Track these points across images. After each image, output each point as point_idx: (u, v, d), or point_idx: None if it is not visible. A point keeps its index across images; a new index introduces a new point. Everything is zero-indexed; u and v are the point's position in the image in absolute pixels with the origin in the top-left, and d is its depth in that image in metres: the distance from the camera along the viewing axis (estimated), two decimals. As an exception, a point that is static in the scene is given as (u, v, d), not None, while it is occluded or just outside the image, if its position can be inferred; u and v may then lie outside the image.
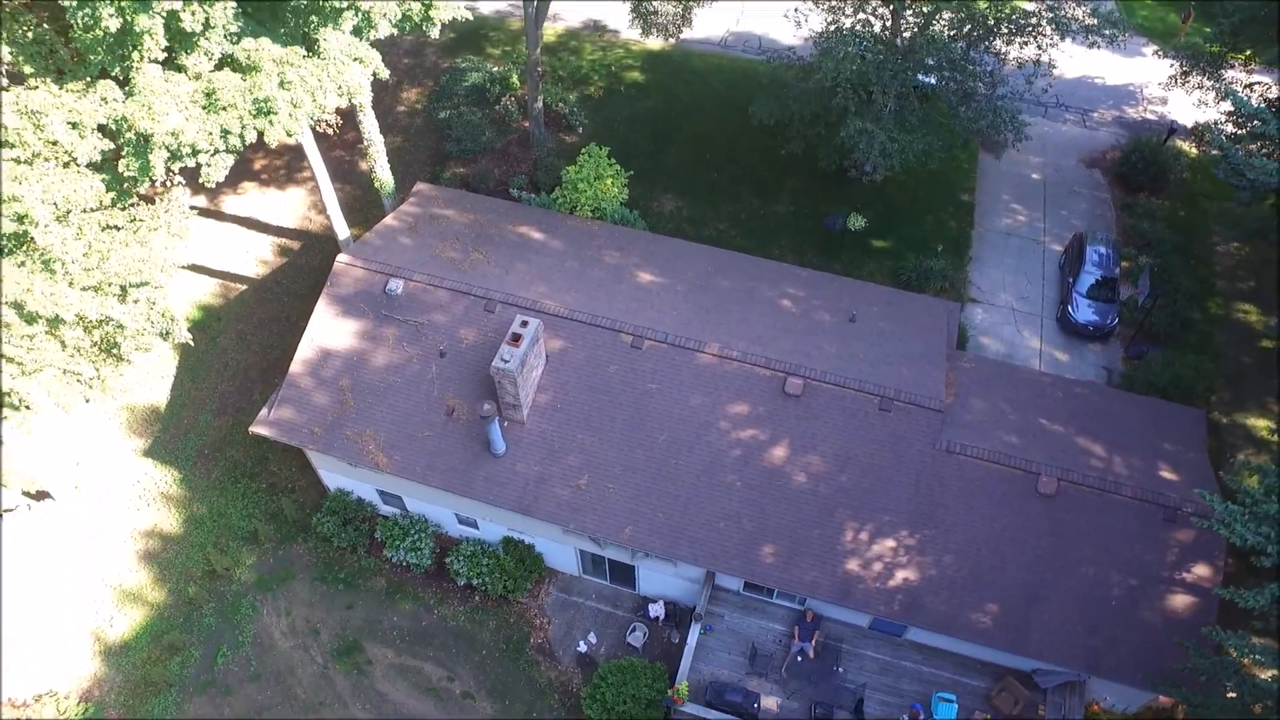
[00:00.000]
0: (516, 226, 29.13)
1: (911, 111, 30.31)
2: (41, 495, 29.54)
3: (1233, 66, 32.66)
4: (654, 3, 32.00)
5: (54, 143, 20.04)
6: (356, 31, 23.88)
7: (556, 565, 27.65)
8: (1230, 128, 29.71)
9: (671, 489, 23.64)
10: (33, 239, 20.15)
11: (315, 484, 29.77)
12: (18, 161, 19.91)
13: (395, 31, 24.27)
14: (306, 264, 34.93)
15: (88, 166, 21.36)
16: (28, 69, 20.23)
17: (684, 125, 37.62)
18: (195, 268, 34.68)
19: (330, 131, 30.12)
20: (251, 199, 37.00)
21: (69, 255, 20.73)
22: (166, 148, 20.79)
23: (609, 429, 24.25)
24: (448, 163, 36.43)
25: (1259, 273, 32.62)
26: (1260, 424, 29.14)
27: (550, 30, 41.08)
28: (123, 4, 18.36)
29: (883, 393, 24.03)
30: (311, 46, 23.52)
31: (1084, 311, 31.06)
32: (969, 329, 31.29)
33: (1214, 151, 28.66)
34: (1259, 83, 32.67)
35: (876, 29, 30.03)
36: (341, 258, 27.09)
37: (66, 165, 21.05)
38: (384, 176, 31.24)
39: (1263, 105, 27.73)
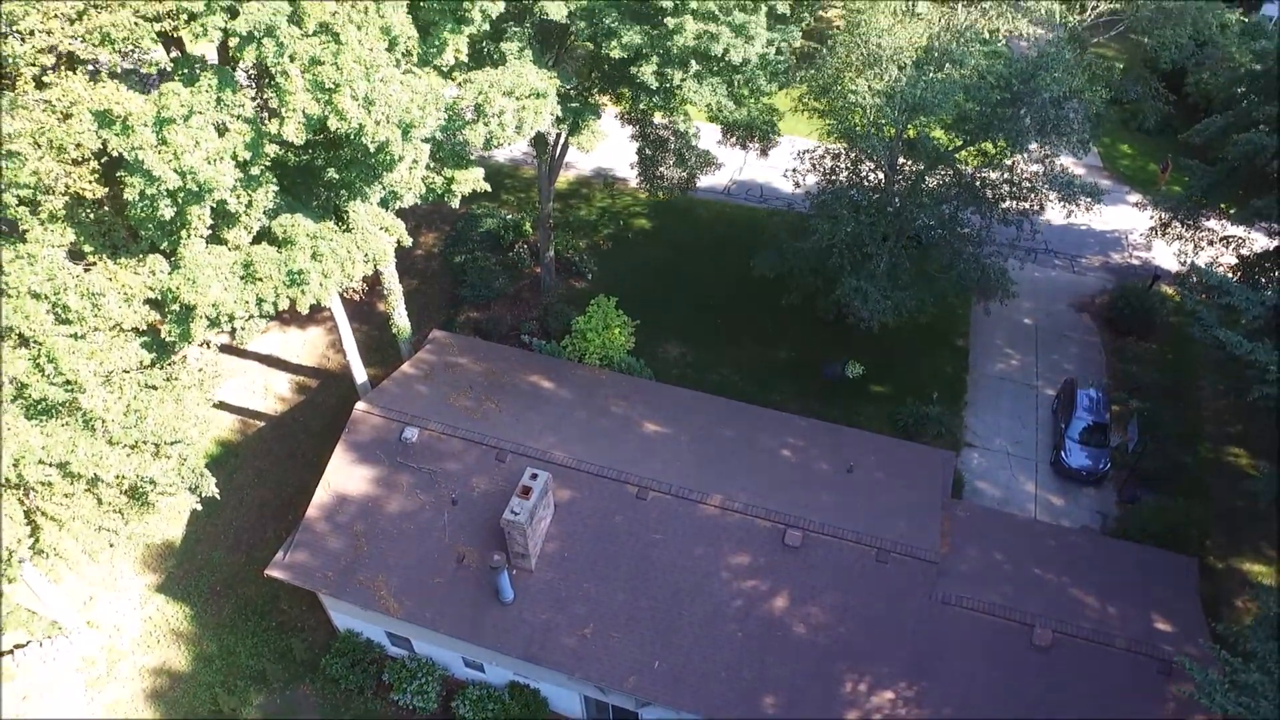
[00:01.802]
0: (527, 375, 30.62)
1: (904, 270, 32.10)
2: (53, 630, 30.08)
3: (1209, 217, 34.50)
4: (660, 170, 34.34)
5: (110, 320, 21.82)
6: (383, 203, 25.86)
7: (561, 709, 27.96)
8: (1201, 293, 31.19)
9: (675, 638, 24.30)
10: (78, 402, 21.26)
11: (325, 623, 30.35)
12: (75, 337, 21.30)
13: (418, 202, 26.13)
14: (324, 402, 36.31)
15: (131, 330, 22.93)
16: (88, 248, 21.90)
17: (689, 271, 39.71)
18: (216, 404, 35.98)
19: (356, 296, 31.85)
20: (272, 337, 38.76)
21: (110, 415, 21.75)
22: (206, 317, 22.50)
23: (614, 578, 25.07)
24: (461, 306, 38.36)
25: (1247, 418, 33.64)
26: (1257, 569, 29.69)
27: (562, 178, 43.59)
28: (179, 198, 20.34)
29: (879, 544, 24.87)
30: (341, 218, 25.51)
31: (1077, 457, 32.03)
32: (965, 474, 32.25)
33: (1191, 305, 30.32)
34: (1233, 237, 34.24)
35: (870, 184, 32.11)
36: (360, 405, 28.41)
37: (113, 333, 22.67)
38: (401, 323, 32.97)
39: (1228, 276, 29.59)
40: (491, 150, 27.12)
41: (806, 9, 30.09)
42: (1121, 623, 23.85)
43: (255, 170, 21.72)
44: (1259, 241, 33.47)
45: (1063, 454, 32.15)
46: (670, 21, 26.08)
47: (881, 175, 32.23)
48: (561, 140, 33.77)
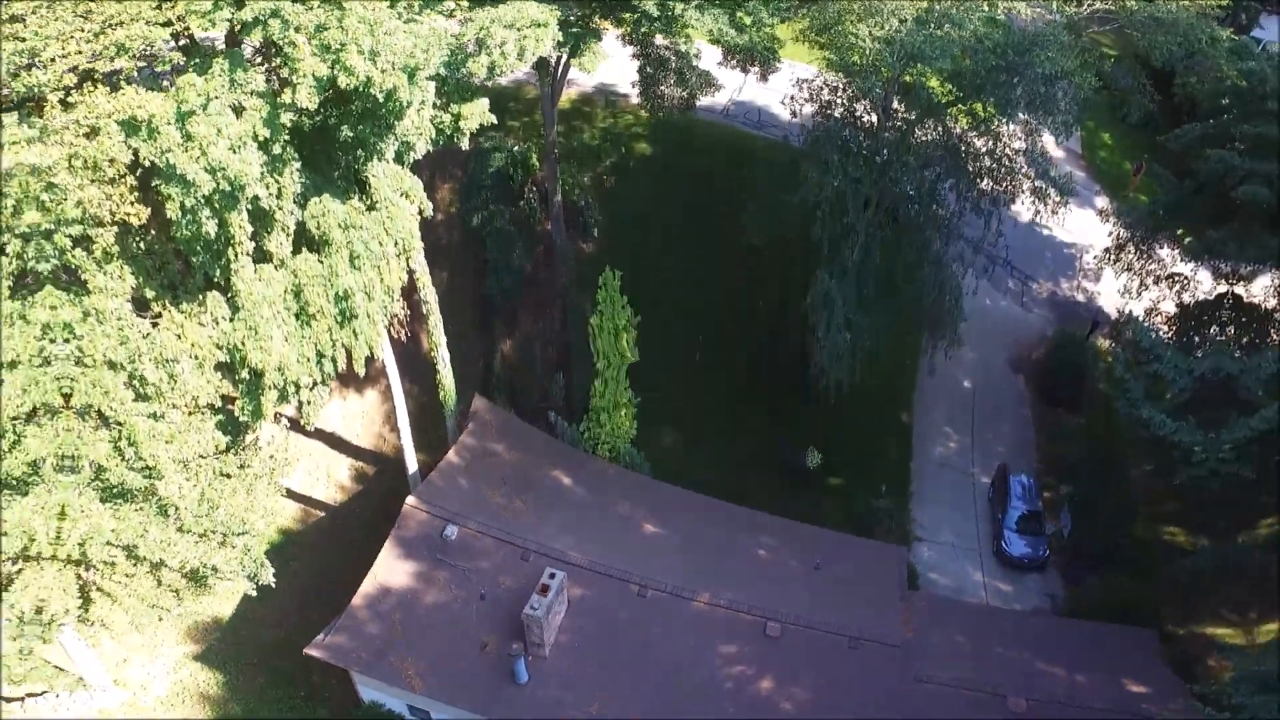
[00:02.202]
0: (551, 469, 32.08)
1: (874, 268, 30.68)
2: (76, 686, 27.95)
3: (1164, 246, 31.50)
4: (662, 89, 32.71)
5: (186, 394, 20.06)
6: (398, 158, 24.58)
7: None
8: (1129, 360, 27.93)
9: (674, 713, 24.51)
10: (154, 488, 19.73)
11: (350, 695, 28.26)
12: (154, 416, 19.57)
13: (429, 149, 24.87)
14: (378, 489, 35.89)
15: (206, 407, 20.85)
16: (149, 292, 20.14)
17: (685, 238, 39.48)
18: (283, 493, 33.64)
19: (401, 335, 30.98)
20: (333, 410, 36.71)
21: (185, 504, 20.21)
22: (275, 386, 21.52)
23: (618, 663, 24.39)
24: (494, 328, 38.30)
25: (1177, 495, 30.81)
26: (1220, 632, 28.29)
27: (565, 96, 39.27)
28: (216, 203, 19.64)
29: (849, 633, 24.04)
30: (363, 186, 24.44)
31: (1016, 545, 31.15)
32: (917, 566, 31.22)
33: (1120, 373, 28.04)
34: (1179, 276, 31.41)
35: (864, 125, 29.93)
36: (410, 500, 28.53)
37: (190, 411, 20.60)
38: (447, 384, 32.14)
39: (1161, 337, 27.44)
40: (495, 78, 25.63)
41: None
42: (1092, 690, 22.70)
43: (277, 149, 20.27)
44: (1204, 284, 30.79)
45: (1003, 543, 31.32)
46: None
47: (875, 118, 29.55)
48: (563, 62, 31.23)
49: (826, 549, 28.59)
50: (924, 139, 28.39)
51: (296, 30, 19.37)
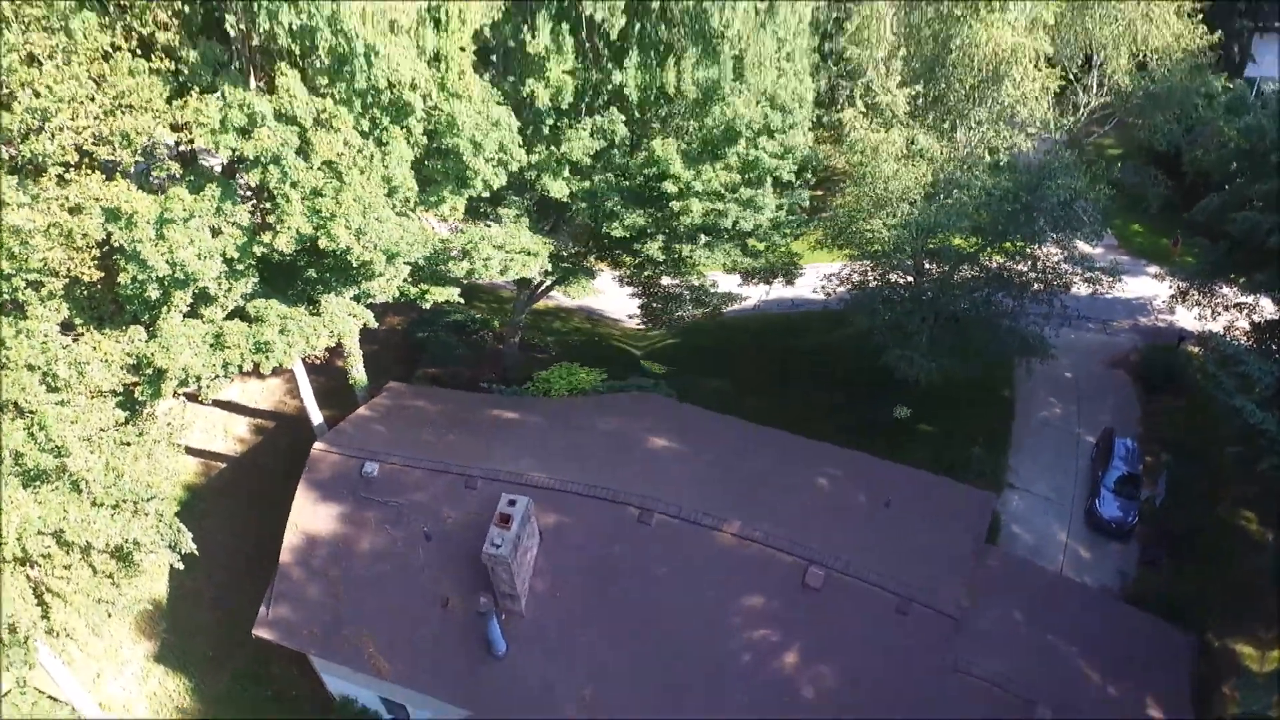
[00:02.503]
0: (490, 410, 30.56)
1: (944, 343, 33.25)
2: (73, 716, 30.42)
3: (1222, 286, 36.46)
4: (678, 313, 35.36)
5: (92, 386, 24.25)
6: (355, 298, 27.42)
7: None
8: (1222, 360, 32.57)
9: (679, 703, 23.35)
10: (65, 466, 22.98)
11: (319, 689, 30.41)
12: (61, 404, 23.00)
13: (390, 300, 27.93)
14: (282, 444, 37.10)
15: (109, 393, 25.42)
16: (78, 320, 24.28)
17: (714, 353, 40.87)
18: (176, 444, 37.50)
19: (318, 361, 32.49)
20: (231, 386, 38.92)
21: (92, 475, 23.22)
22: (176, 378, 24.70)
23: (615, 624, 24.27)
24: (419, 365, 39.23)
25: (1261, 482, 32.95)
26: (1247, 651, 29.25)
27: (541, 304, 43.28)
28: (166, 283, 22.57)
29: (903, 592, 23.87)
30: (314, 304, 27.12)
31: (1109, 507, 33.23)
32: (1003, 516, 33.26)
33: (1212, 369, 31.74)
34: (1245, 304, 35.62)
35: (901, 284, 34.00)
36: (317, 445, 28.75)
37: (92, 397, 24.47)
38: (359, 377, 33.82)
39: (1243, 343, 31.61)
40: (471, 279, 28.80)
41: (811, 172, 31.34)
42: (1118, 707, 23.63)
43: (240, 266, 23.93)
44: (1268, 309, 35.42)
45: (1097, 502, 33.62)
46: (676, 205, 26.77)
47: (910, 279, 34.15)
48: (546, 286, 34.63)
49: (903, 487, 28.05)
50: (965, 277, 33.49)
51: (293, 186, 22.33)
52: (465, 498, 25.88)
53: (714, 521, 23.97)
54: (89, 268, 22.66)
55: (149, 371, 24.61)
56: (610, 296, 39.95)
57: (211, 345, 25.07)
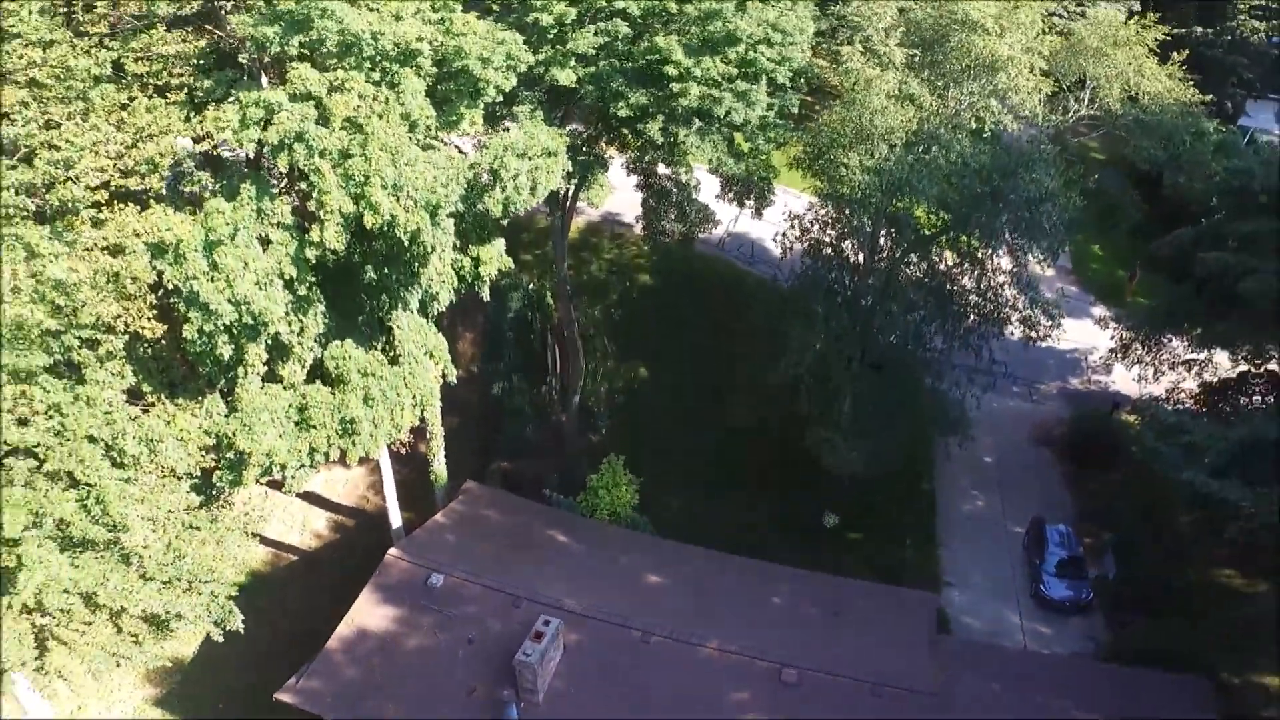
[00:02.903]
0: (546, 530, 33.99)
1: (865, 409, 33.82)
2: None
3: (1171, 339, 35.08)
4: (663, 224, 38.19)
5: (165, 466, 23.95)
6: (422, 308, 28.09)
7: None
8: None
9: None
10: (119, 540, 22.67)
11: None
12: (127, 481, 22.87)
13: (452, 299, 28.47)
14: (358, 543, 38.66)
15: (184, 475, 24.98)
16: (146, 387, 23.73)
17: (681, 390, 42.54)
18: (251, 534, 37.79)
19: (403, 450, 34.80)
20: (316, 474, 40.92)
21: (149, 553, 23.25)
22: (260, 465, 24.89)
23: (618, 710, 26.70)
24: (494, 455, 41.77)
25: (1232, 541, 31.45)
26: (1272, 682, 28.82)
27: (573, 226, 45.64)
28: (236, 332, 22.68)
29: (874, 679, 26.14)
30: (388, 335, 28.27)
31: (1057, 588, 32.96)
32: (949, 610, 33.35)
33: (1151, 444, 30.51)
34: (1195, 360, 34.85)
35: (850, 264, 34.47)
36: (392, 551, 31.60)
37: (164, 476, 24.30)
38: (440, 471, 36.33)
39: (1188, 410, 30.72)
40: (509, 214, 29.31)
41: (805, 80, 32.53)
42: None
43: (303, 290, 23.88)
44: (1223, 365, 34.03)
45: (1042, 586, 33.18)
46: (675, 86, 28.38)
47: (861, 256, 34.64)
48: (572, 194, 36.38)
49: (848, 596, 30.56)
50: (910, 275, 33.55)
51: (321, 155, 22.60)
52: (510, 614, 29.35)
53: (699, 639, 27.63)
54: (148, 319, 21.76)
55: (230, 455, 24.28)
56: (621, 193, 41.66)
57: (297, 423, 24.97)
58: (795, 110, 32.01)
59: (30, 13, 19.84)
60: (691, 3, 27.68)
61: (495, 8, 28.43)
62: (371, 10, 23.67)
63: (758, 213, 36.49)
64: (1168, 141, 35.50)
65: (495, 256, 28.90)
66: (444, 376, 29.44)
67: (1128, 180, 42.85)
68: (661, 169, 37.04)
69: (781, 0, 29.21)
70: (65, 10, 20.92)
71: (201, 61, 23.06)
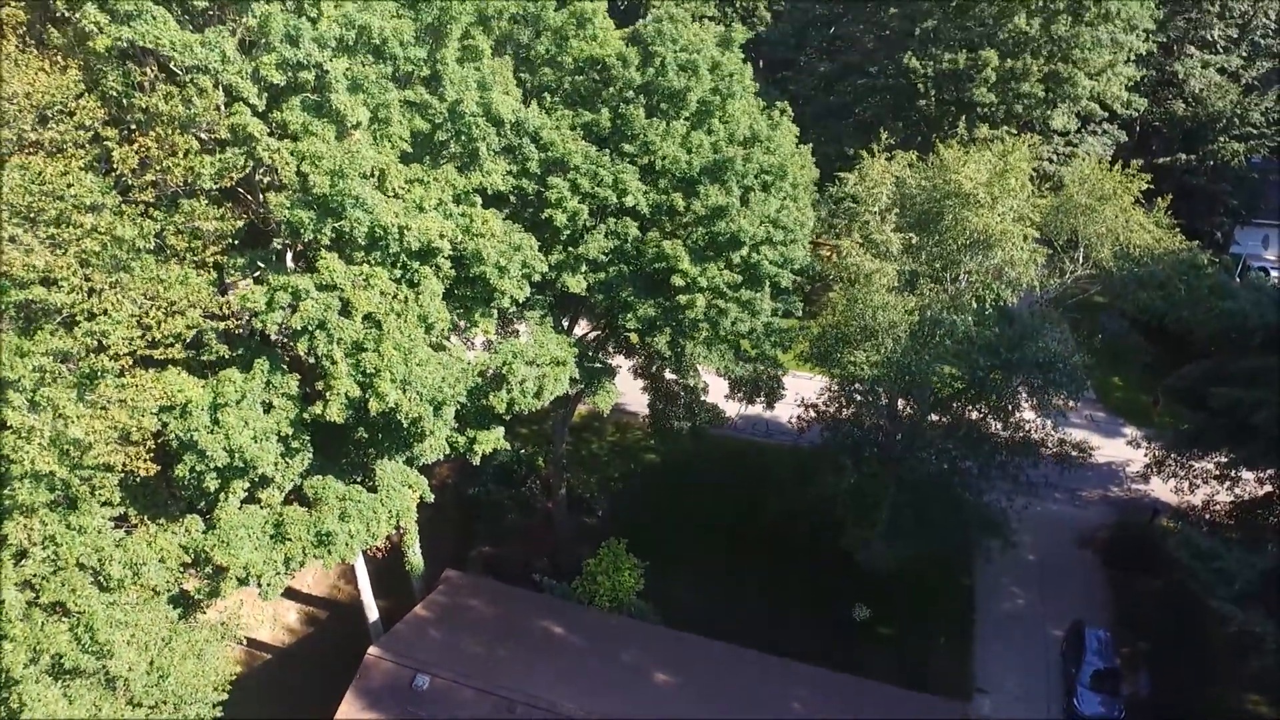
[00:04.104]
0: (539, 619, 33.33)
1: (906, 519, 34.13)
2: None
3: (1202, 457, 35.67)
4: (671, 421, 37.99)
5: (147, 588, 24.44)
6: (408, 461, 29.17)
7: None
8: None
9: None
10: (105, 665, 22.92)
11: None
12: (112, 605, 23.30)
13: (441, 458, 29.23)
14: (334, 637, 38.15)
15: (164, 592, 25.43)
16: (132, 512, 24.67)
17: (698, 507, 42.03)
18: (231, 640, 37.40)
19: (378, 555, 34.01)
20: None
21: (134, 675, 23.32)
22: (236, 578, 25.31)
23: None
24: (474, 540, 41.55)
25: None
26: None
27: (576, 411, 45.72)
28: (225, 473, 23.75)
29: None
30: (369, 473, 29.15)
31: (1090, 704, 33.00)
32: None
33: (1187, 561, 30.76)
34: (1228, 475, 35.12)
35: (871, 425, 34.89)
36: (372, 650, 31.23)
37: (145, 596, 24.60)
38: (415, 560, 36.32)
39: (1225, 522, 31.30)
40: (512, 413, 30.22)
41: (808, 278, 33.83)
42: None
43: (295, 444, 25.21)
44: (1251, 483, 34.84)
45: (1075, 701, 33.18)
46: (682, 298, 29.47)
47: (883, 422, 35.11)
48: (578, 393, 36.98)
49: (872, 704, 29.91)
50: (934, 425, 34.19)
51: (338, 344, 23.93)
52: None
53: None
54: (145, 462, 22.61)
55: (207, 569, 24.88)
56: (627, 389, 40.86)
57: (271, 536, 25.52)
58: (799, 313, 32.99)
59: (86, 173, 20.57)
60: (697, 199, 28.76)
61: (512, 199, 29.23)
62: (396, 197, 24.73)
63: (769, 406, 36.75)
64: (1163, 291, 35.96)
65: (492, 441, 29.37)
66: (420, 498, 29.53)
67: (1131, 325, 43.48)
68: (669, 374, 37.56)
69: (782, 192, 30.33)
70: (116, 173, 21.53)
71: (236, 241, 23.96)
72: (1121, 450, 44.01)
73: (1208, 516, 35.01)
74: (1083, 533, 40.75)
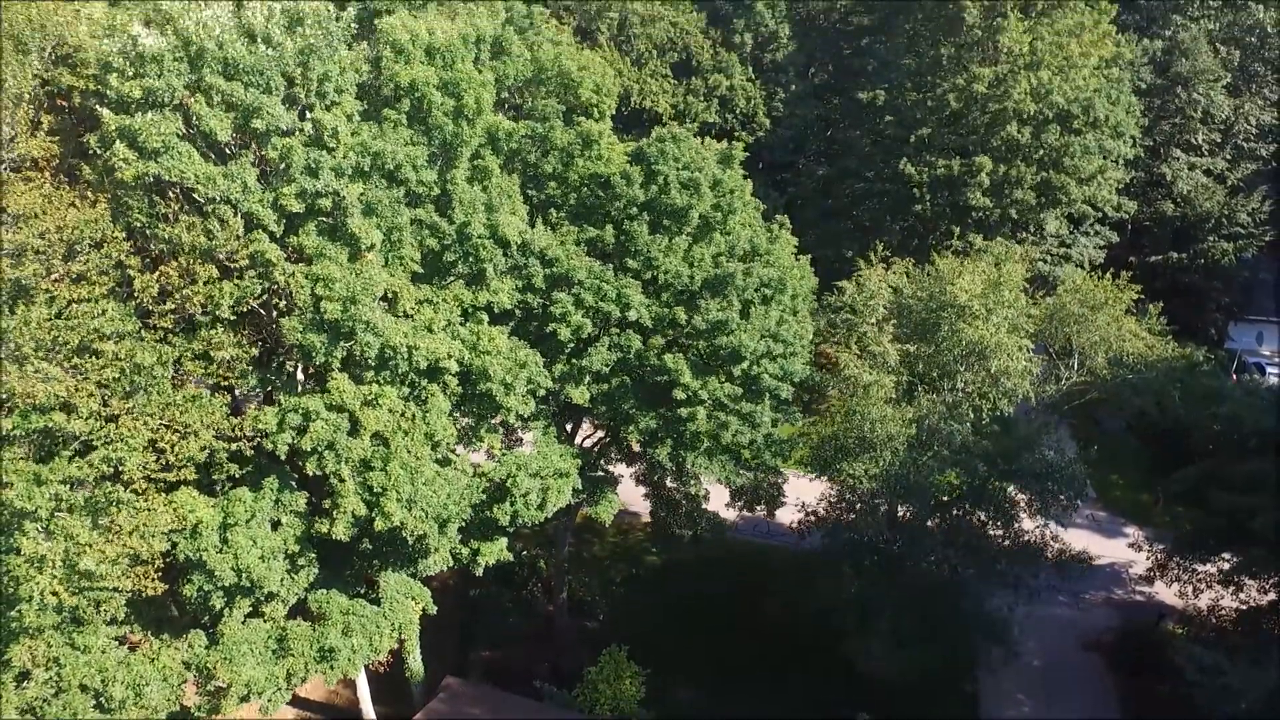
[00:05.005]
0: None
1: (907, 626, 33.62)
2: None
3: (1205, 561, 35.41)
4: (673, 529, 38.19)
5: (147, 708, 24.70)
6: (411, 573, 29.37)
7: None
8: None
9: None
10: None
11: None
12: None
13: (445, 568, 29.56)
14: None
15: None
16: (136, 629, 24.87)
17: (699, 608, 41.60)
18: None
19: (380, 670, 33.68)
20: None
21: None
22: (238, 695, 25.53)
23: None
24: (474, 644, 40.80)
25: None
26: None
27: (577, 513, 45.38)
28: (232, 591, 24.26)
29: None
30: (372, 584, 29.26)
31: None
32: None
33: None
34: (1234, 579, 34.79)
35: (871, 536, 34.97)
36: None
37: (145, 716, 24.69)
38: (415, 666, 35.71)
39: (1230, 629, 30.95)
40: (515, 526, 30.30)
41: (806, 391, 34.41)
42: None
43: (302, 561, 25.67)
44: (1253, 589, 34.33)
45: None
46: (684, 410, 29.80)
47: (883, 532, 35.20)
48: (580, 503, 37.43)
49: None
50: (936, 527, 33.99)
51: (345, 463, 24.33)
52: None
53: None
54: (153, 581, 22.79)
55: (209, 687, 25.11)
56: (628, 487, 40.20)
57: (274, 651, 25.65)
58: (799, 425, 33.63)
59: (108, 300, 21.37)
60: (699, 313, 29.40)
61: (518, 313, 29.61)
62: (407, 317, 25.41)
63: (770, 515, 37.14)
64: (1158, 398, 36.51)
65: (496, 552, 29.64)
66: (424, 610, 29.84)
67: (1128, 427, 44.26)
68: (670, 482, 37.75)
69: (781, 305, 30.86)
70: (137, 301, 22.21)
71: (250, 366, 24.56)
72: (1123, 551, 43.34)
73: (1214, 621, 34.62)
74: (1087, 637, 40.17)
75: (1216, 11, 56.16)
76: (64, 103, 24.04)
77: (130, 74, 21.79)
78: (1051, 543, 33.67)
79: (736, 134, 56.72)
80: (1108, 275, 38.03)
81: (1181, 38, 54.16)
